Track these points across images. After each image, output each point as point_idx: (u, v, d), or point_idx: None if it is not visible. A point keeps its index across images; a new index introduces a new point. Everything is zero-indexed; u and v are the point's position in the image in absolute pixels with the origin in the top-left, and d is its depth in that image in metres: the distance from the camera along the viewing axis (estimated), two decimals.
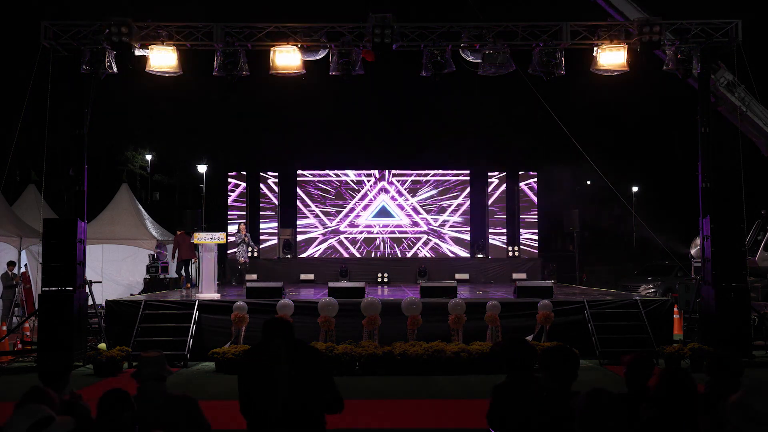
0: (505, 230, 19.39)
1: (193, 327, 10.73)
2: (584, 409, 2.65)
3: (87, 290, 11.03)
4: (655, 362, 10.29)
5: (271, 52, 11.30)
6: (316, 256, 19.40)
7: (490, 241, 19.34)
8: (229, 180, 19.32)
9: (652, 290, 19.42)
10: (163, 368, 3.75)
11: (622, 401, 2.70)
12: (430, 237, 19.50)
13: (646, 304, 11.19)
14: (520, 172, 19.68)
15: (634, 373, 3.84)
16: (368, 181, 19.72)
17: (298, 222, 19.53)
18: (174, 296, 13.05)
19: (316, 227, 19.53)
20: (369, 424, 6.99)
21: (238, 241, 16.64)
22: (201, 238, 12.55)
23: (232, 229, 18.12)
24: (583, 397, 2.70)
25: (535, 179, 19.57)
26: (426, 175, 19.76)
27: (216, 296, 12.02)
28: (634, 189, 30.17)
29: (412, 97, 23.15)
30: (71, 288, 10.43)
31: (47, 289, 10.41)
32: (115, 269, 17.11)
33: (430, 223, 19.53)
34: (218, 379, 9.45)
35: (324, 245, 19.50)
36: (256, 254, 17.77)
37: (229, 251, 18.01)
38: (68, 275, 10.47)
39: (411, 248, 19.44)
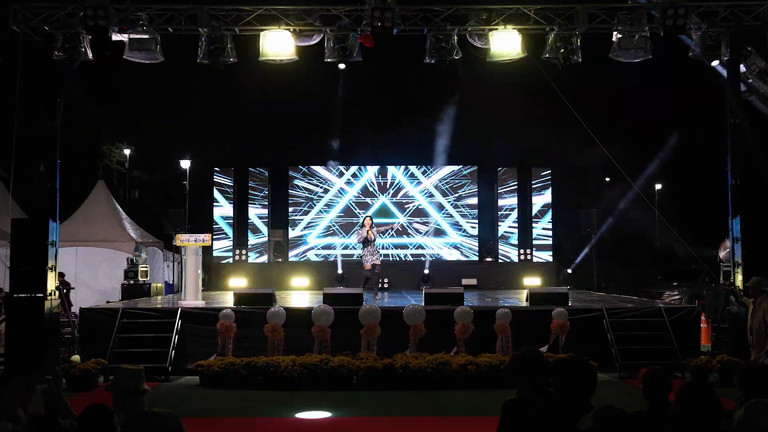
0: (516, 231, 19.38)
1: (175, 337, 10.72)
2: (592, 430, 2.64)
3: (59, 297, 11.02)
4: (681, 376, 10.30)
5: (261, 37, 11.30)
6: (309, 259, 19.40)
7: (500, 243, 19.33)
8: (215, 177, 19.32)
9: (677, 297, 19.42)
10: (141, 382, 3.75)
11: (633, 420, 2.69)
12: (433, 238, 19.49)
13: (671, 313, 11.18)
14: (533, 168, 19.68)
15: (649, 387, 3.85)
16: (367, 177, 19.72)
17: (290, 222, 19.53)
18: (154, 303, 13.05)
19: (310, 228, 19.53)
20: None
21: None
22: (184, 239, 12.55)
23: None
24: (591, 416, 2.69)
25: (549, 175, 19.56)
26: (429, 170, 19.76)
27: (200, 303, 12.02)
28: (658, 186, 30.15)
29: (413, 85, 23.15)
30: (42, 294, 10.43)
31: (15, 295, 10.40)
32: (90, 274, 17.10)
33: (433, 223, 19.52)
34: (203, 395, 9.45)
35: (318, 248, 19.49)
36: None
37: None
38: (38, 280, 10.46)
39: (413, 251, 19.44)
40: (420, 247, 19.47)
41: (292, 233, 19.47)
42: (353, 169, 19.78)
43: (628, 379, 10.04)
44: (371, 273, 13.78)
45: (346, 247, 19.32)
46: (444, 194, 19.63)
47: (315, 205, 19.53)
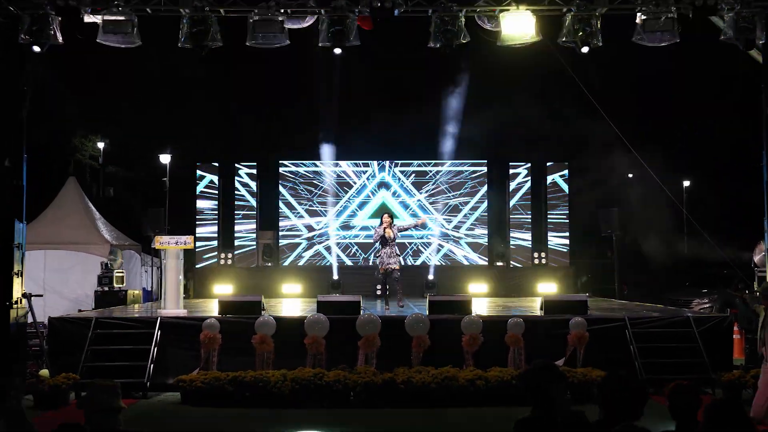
0: (530, 233, 19.38)
1: (154, 350, 10.72)
2: None
3: (26, 305, 11.01)
4: (711, 392, 10.30)
5: (249, 19, 11.28)
6: (302, 263, 19.40)
7: (512, 245, 19.33)
8: (198, 172, 19.32)
9: (708, 305, 19.39)
10: (117, 399, 3.74)
11: None
12: (439, 241, 19.49)
13: (700, 322, 11.19)
14: (549, 163, 19.67)
15: (676, 404, 3.84)
16: (365, 173, 19.73)
17: (281, 223, 19.53)
18: (131, 312, 13.05)
19: (303, 229, 19.53)
20: None
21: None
22: (164, 242, 12.55)
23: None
24: None
25: (567, 171, 19.56)
26: (435, 166, 19.76)
27: (182, 312, 12.02)
28: (686, 183, 30.14)
29: (417, 73, 23.11)
30: (7, 303, 10.41)
31: None
32: (60, 280, 17.10)
33: (439, 224, 19.52)
34: (184, 413, 9.46)
35: (312, 251, 19.49)
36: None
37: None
38: (3, 287, 10.45)
39: (417, 254, 19.43)
40: (422, 238, 19.46)
41: (318, 226, 19.46)
42: (349, 163, 19.77)
43: (653, 396, 10.01)
44: (388, 278, 13.38)
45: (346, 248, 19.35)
46: (450, 191, 19.61)
47: (311, 203, 19.54)
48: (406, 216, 19.34)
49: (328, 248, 19.47)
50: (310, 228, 19.54)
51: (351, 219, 19.55)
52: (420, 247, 19.47)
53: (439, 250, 19.41)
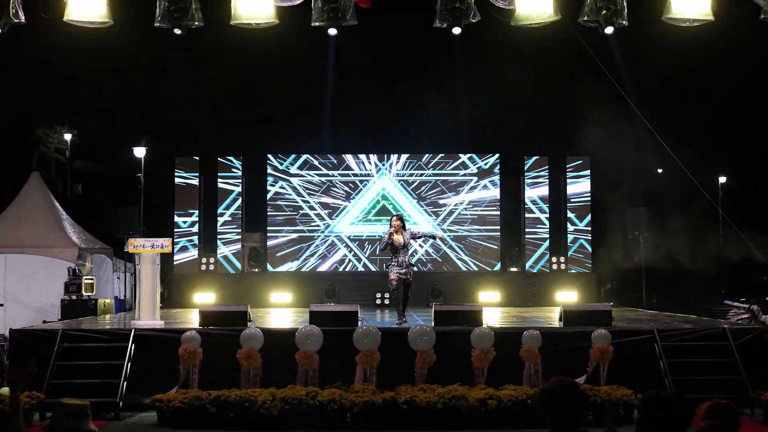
0: (547, 235, 19.38)
1: (127, 366, 10.73)
2: None
3: None
4: (750, 413, 10.30)
5: None
6: (293, 269, 19.40)
7: (528, 249, 19.33)
8: (177, 168, 19.33)
9: (746, 316, 19.41)
10: (86, 420, 3.76)
11: None
12: (446, 243, 19.49)
13: (738, 335, 11.20)
14: (567, 156, 19.68)
15: (712, 427, 3.85)
16: (364, 168, 19.73)
17: (269, 224, 19.54)
18: (102, 324, 13.08)
19: (294, 231, 19.53)
20: None
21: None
22: (138, 245, 12.57)
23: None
24: None
25: (588, 166, 19.56)
26: (441, 160, 19.76)
27: (158, 324, 12.04)
28: (722, 179, 30.16)
29: (421, 57, 23.12)
30: None
31: None
32: (22, 287, 17.13)
33: (446, 225, 19.52)
34: None
35: (305, 255, 19.50)
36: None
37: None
38: None
39: (420, 259, 19.43)
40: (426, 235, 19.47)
41: (311, 227, 19.49)
42: (346, 157, 19.78)
43: None
44: (396, 288, 12.98)
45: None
46: (458, 188, 19.63)
47: (304, 202, 19.56)
48: (405, 214, 19.38)
49: (323, 251, 19.48)
50: (301, 229, 19.55)
51: (348, 219, 19.54)
52: (422, 248, 19.47)
53: (444, 254, 19.42)
